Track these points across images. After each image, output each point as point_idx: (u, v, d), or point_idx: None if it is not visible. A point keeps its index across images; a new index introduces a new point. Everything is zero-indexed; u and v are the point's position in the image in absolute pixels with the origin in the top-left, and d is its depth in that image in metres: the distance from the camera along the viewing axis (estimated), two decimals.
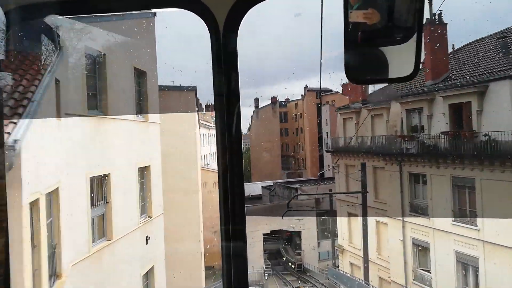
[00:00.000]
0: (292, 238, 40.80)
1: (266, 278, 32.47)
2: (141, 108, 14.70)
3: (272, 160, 70.11)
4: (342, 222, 28.67)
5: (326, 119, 56.42)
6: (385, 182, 23.19)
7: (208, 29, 2.19)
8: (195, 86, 23.29)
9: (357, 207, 26.60)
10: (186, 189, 21.94)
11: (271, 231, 38.50)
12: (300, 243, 37.15)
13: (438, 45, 20.55)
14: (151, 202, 15.44)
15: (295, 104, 73.59)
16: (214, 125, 2.22)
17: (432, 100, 19.49)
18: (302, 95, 67.58)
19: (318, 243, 36.93)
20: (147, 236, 14.82)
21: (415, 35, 1.75)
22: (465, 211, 18.04)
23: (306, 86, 65.72)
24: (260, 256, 34.67)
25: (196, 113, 26.32)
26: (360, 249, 25.91)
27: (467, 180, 17.79)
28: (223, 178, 2.18)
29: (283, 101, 73.64)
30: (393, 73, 1.88)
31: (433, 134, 19.15)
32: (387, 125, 23.20)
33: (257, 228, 34.83)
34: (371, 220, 24.60)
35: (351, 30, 1.76)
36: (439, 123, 18.77)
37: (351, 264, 27.22)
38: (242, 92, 2.19)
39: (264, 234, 37.69)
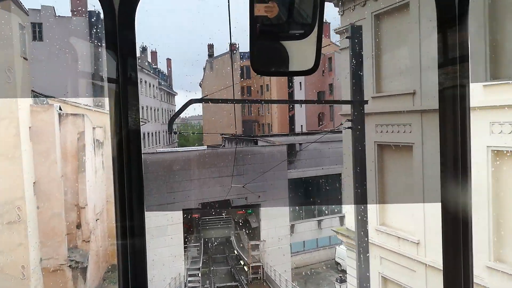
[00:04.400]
0: (248, 219, 24.36)
1: None
2: None
3: (230, 124, 56.39)
4: (351, 177, 12.13)
5: None
6: None
7: (102, 8, 1.98)
8: None
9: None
10: None
11: (209, 204, 21.70)
12: (259, 227, 20.46)
13: None
14: None
15: None
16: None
17: None
18: None
19: (292, 226, 20.38)
20: None
21: (316, 31, 1.76)
22: None
23: None
24: (179, 255, 17.69)
25: None
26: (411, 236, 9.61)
27: None
28: (119, 170, 1.97)
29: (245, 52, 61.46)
30: (293, 66, 1.88)
31: None
32: None
33: (174, 198, 17.87)
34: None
35: (254, 22, 1.76)
36: None
37: (381, 277, 10.85)
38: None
39: (194, 210, 21.25)
